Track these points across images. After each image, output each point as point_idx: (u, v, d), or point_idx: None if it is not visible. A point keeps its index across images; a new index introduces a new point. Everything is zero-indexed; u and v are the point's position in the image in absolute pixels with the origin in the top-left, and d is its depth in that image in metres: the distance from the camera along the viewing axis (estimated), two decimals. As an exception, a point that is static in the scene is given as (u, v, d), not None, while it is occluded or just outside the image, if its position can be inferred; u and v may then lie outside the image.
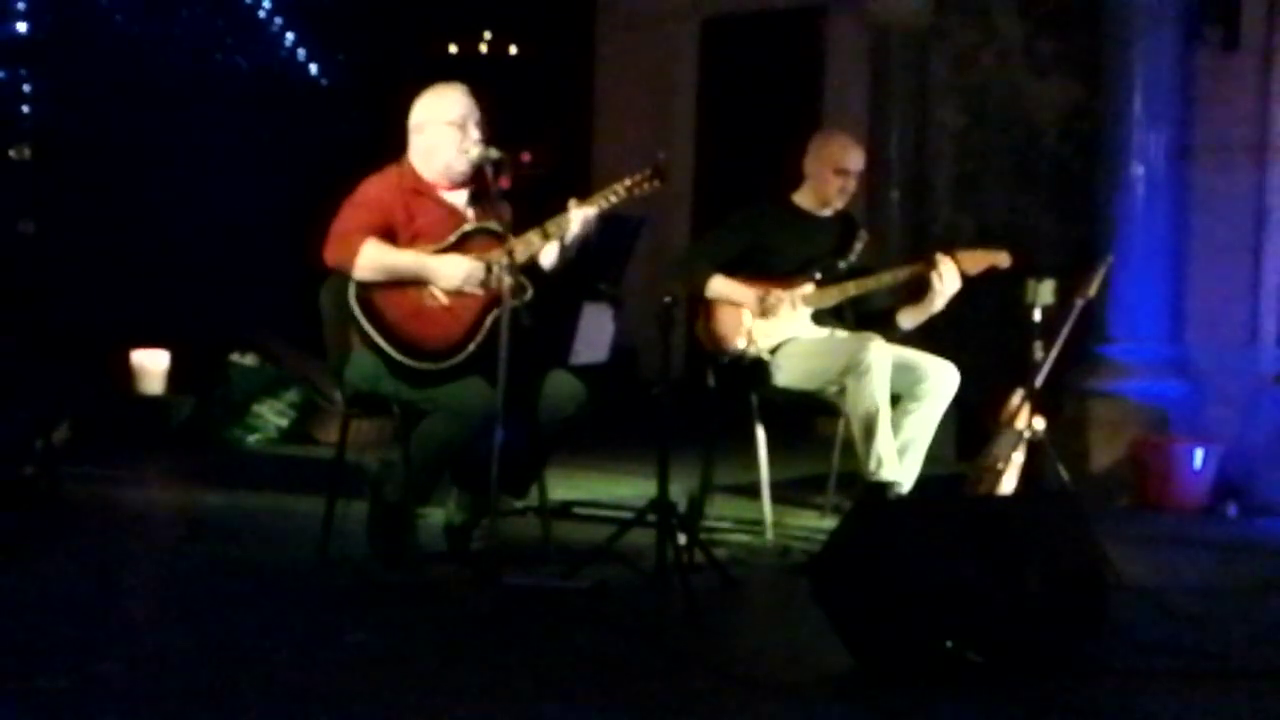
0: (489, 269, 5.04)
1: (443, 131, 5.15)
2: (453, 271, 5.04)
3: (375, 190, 5.14)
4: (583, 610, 4.68)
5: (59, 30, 9.50)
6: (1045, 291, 5.76)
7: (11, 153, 9.36)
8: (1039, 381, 5.73)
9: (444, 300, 5.05)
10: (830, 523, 5.84)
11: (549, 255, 5.17)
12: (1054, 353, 5.74)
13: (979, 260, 5.79)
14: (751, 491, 6.02)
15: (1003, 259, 5.78)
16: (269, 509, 6.27)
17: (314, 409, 8.14)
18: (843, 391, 5.71)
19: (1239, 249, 7.24)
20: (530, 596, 4.73)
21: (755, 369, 5.87)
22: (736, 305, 5.88)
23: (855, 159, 6.01)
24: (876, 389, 5.59)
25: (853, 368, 5.62)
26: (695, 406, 5.86)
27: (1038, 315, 5.75)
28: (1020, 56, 8.46)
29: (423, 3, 10.63)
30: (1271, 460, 6.96)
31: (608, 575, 4.97)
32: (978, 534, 4.18)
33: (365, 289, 5.03)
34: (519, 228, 5.09)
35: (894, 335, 5.89)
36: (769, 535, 5.83)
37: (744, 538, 5.86)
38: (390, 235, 5.07)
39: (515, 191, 5.12)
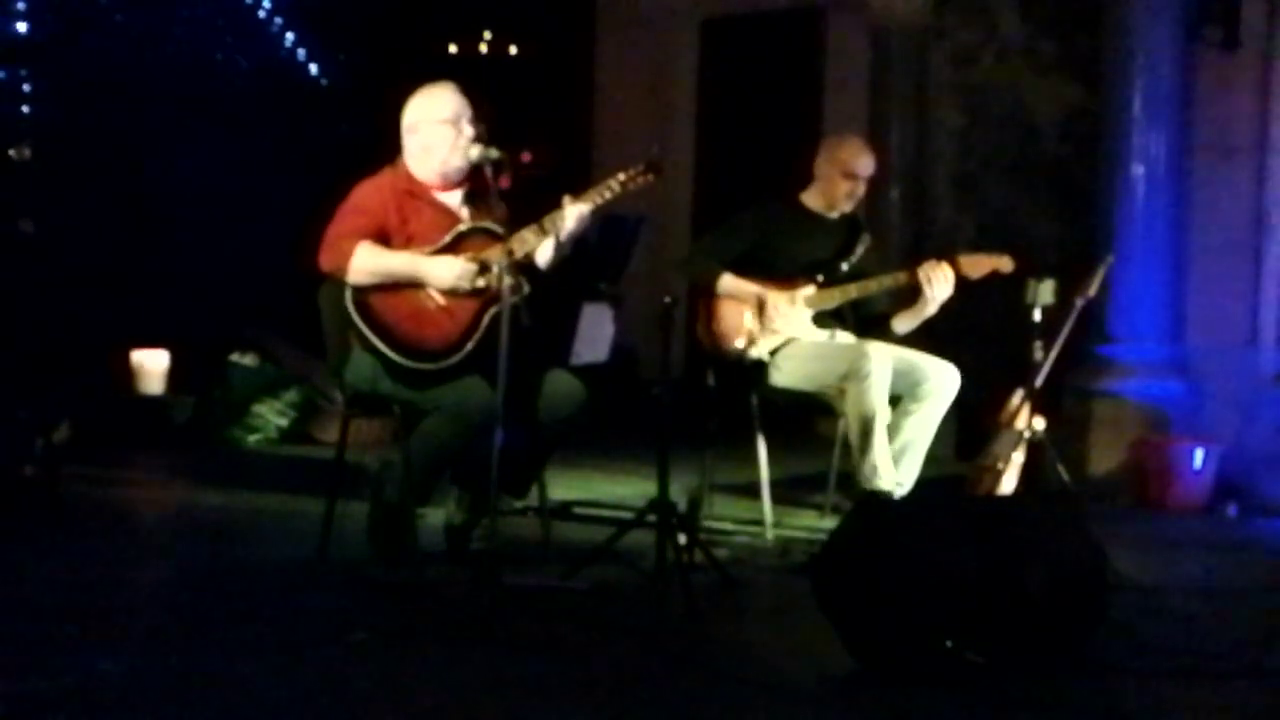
0: (484, 268, 5.04)
1: (436, 130, 5.16)
2: (445, 272, 5.04)
3: (367, 195, 5.15)
4: (583, 610, 4.68)
5: (59, 30, 9.50)
6: (1045, 291, 5.76)
7: (11, 153, 9.35)
8: (1039, 381, 5.73)
9: (441, 300, 5.06)
10: (830, 523, 5.85)
11: (545, 253, 5.17)
12: (1054, 353, 5.74)
13: (982, 265, 5.78)
14: (751, 491, 6.02)
15: (1005, 264, 5.77)
16: (269, 509, 6.27)
17: (314, 409, 8.14)
18: (842, 394, 5.71)
19: (1239, 249, 7.24)
20: (530, 596, 4.73)
21: (755, 368, 5.87)
22: (739, 305, 5.88)
23: (866, 164, 6.01)
24: (876, 396, 5.59)
25: (853, 374, 5.62)
26: (695, 406, 5.86)
27: (1038, 315, 5.75)
28: (1020, 56, 8.46)
29: (423, 3, 10.62)
30: (1271, 460, 6.96)
31: (608, 575, 4.97)
32: (978, 534, 4.18)
33: (362, 291, 5.03)
34: (518, 227, 5.09)
35: (892, 338, 5.89)
36: (769, 535, 5.83)
37: (744, 538, 5.86)
38: (384, 239, 5.08)
39: (515, 191, 5.12)
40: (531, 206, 5.18)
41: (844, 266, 5.97)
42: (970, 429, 6.54)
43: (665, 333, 5.05)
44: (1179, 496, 6.90)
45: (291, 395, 8.15)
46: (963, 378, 5.79)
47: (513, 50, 11.27)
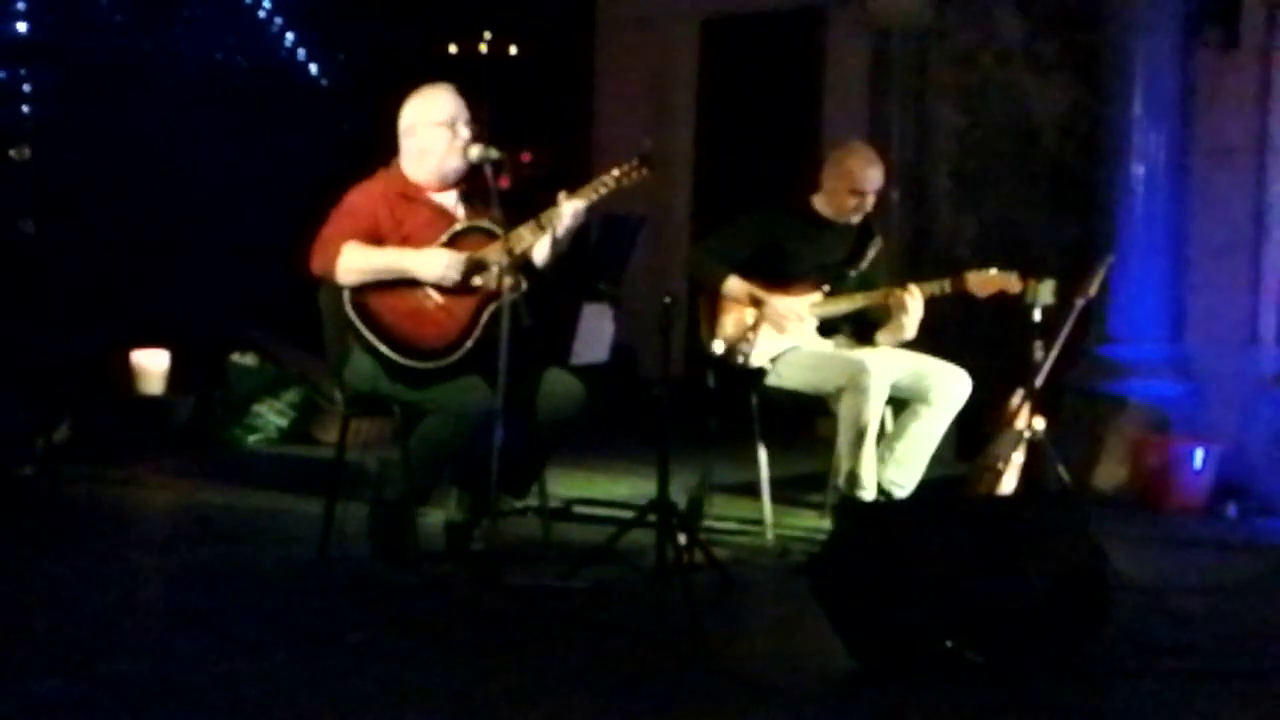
0: (481, 266, 5.04)
1: (432, 132, 5.16)
2: (434, 263, 5.03)
3: (359, 198, 5.16)
4: (583, 610, 4.68)
5: (59, 30, 9.49)
6: (1045, 291, 5.76)
7: (11, 153, 9.35)
8: (1039, 381, 5.73)
9: (439, 299, 5.06)
10: (830, 523, 5.84)
11: (542, 250, 5.17)
12: (1054, 353, 5.73)
13: (990, 283, 5.77)
14: (751, 491, 6.02)
15: (1013, 284, 5.75)
16: (269, 509, 6.27)
17: (314, 409, 8.14)
18: (839, 398, 5.71)
19: (1239, 249, 7.23)
20: (530, 596, 4.73)
21: (755, 372, 5.87)
22: (741, 308, 5.88)
23: (874, 178, 5.96)
24: (871, 410, 5.60)
25: (851, 387, 5.62)
26: (695, 406, 5.86)
27: (1038, 315, 5.75)
28: (1020, 56, 8.45)
29: (423, 3, 10.62)
30: (1271, 460, 6.96)
31: (608, 575, 4.97)
32: (978, 534, 4.18)
33: (360, 291, 5.03)
34: (514, 226, 5.08)
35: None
36: (769, 535, 5.83)
37: (744, 538, 5.86)
38: (377, 241, 5.08)
39: (515, 191, 5.12)
40: (531, 206, 5.18)
41: (853, 272, 5.96)
42: (970, 429, 6.54)
43: (665, 333, 5.04)
44: (1179, 496, 6.89)
45: (291, 395, 8.14)
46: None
47: (513, 50, 11.27)
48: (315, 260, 5.07)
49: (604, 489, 6.66)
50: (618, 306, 5.72)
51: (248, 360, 8.18)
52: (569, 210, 5.07)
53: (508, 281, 4.85)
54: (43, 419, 6.55)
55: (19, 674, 3.85)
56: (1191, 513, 6.82)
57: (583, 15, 10.53)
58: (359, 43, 10.37)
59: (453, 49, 11.14)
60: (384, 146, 5.34)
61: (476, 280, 5.05)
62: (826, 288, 5.90)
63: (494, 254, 4.99)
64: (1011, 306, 5.85)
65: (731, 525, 6.03)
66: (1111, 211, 7.29)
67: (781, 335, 5.86)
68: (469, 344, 5.03)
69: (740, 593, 5.04)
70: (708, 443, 6.03)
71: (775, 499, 5.96)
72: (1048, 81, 8.35)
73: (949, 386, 5.76)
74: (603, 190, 5.11)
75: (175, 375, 8.33)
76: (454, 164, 5.16)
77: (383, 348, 5.01)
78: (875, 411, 5.62)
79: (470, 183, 5.23)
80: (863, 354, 5.81)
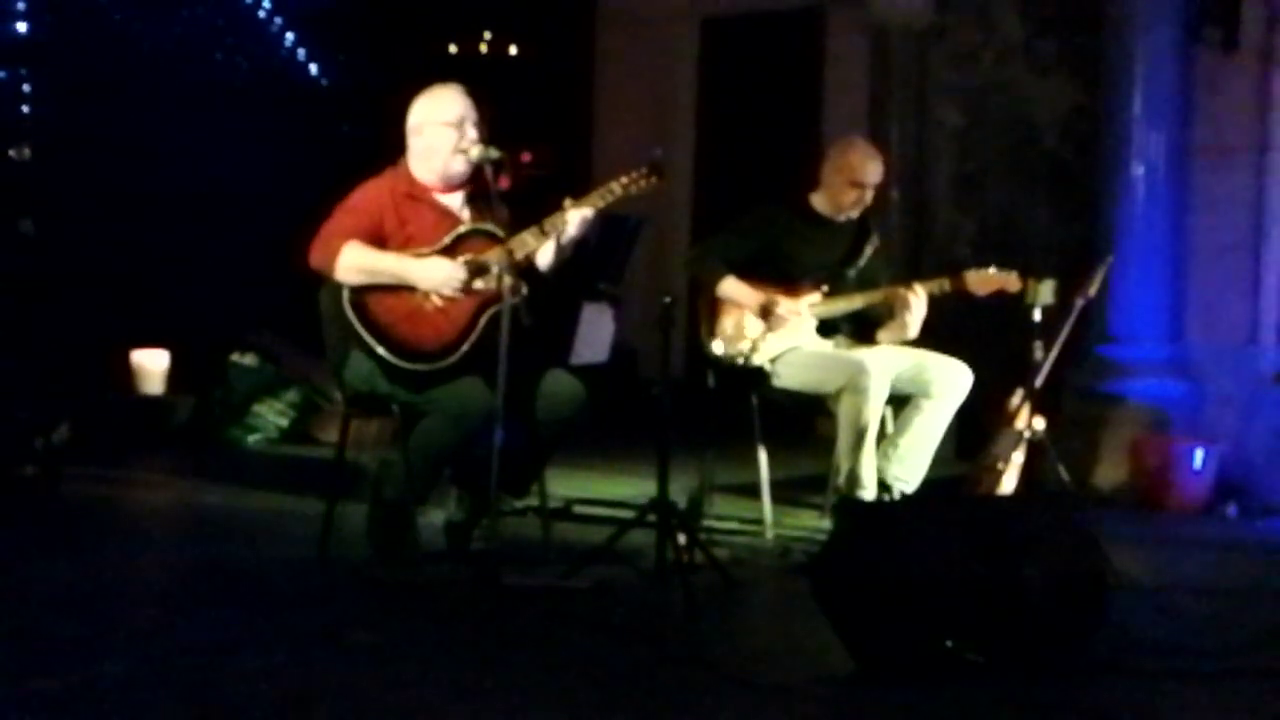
0: (482, 270, 5.04)
1: (440, 132, 5.15)
2: (432, 274, 5.03)
3: (365, 196, 5.15)
4: (583, 610, 4.68)
5: (59, 30, 9.49)
6: (1045, 291, 5.76)
7: (11, 153, 9.35)
8: (1039, 381, 5.73)
9: (438, 301, 5.05)
10: (830, 523, 5.85)
11: (545, 255, 5.16)
12: (1054, 353, 5.74)
13: (989, 282, 5.78)
14: (751, 491, 6.02)
15: (1013, 283, 5.76)
16: (269, 509, 6.27)
17: (314, 409, 8.14)
18: (839, 398, 5.71)
19: (1239, 249, 7.24)
20: (530, 596, 4.73)
21: (755, 372, 5.87)
22: (740, 308, 5.88)
23: (873, 172, 5.98)
24: (870, 410, 5.60)
25: (850, 387, 5.62)
26: (695, 406, 5.86)
27: (1038, 315, 5.75)
28: (1020, 56, 8.45)
29: (422, 3, 10.62)
30: (1271, 460, 6.96)
31: (608, 575, 4.97)
32: (978, 534, 4.18)
33: (359, 293, 5.03)
34: (517, 228, 5.08)
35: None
36: (769, 535, 5.83)
37: (744, 538, 5.86)
38: (379, 240, 5.07)
39: (515, 192, 5.12)
40: (532, 207, 5.17)
41: (851, 271, 5.96)
42: (970, 429, 6.54)
43: (665, 333, 5.04)
44: (1179, 496, 6.90)
45: (291, 395, 8.15)
46: (971, 379, 5.81)
47: (513, 50, 11.27)
48: (314, 254, 5.06)
49: (604, 489, 6.66)
50: (618, 306, 5.72)
51: (248, 360, 8.19)
52: (575, 218, 5.06)
53: (508, 283, 4.84)
54: (43, 419, 6.54)
55: (19, 674, 3.85)
56: (1191, 513, 6.82)
57: (583, 15, 10.54)
58: (359, 43, 10.37)
59: (453, 49, 11.14)
60: (385, 147, 5.33)
61: (478, 284, 5.05)
62: (825, 288, 5.90)
63: (495, 258, 4.98)
64: (1011, 306, 5.85)
65: (731, 525, 6.03)
66: (1111, 211, 7.29)
67: (781, 335, 5.85)
68: (465, 347, 5.02)
69: (740, 593, 5.04)
70: (708, 443, 6.02)
71: (775, 499, 5.96)
72: (1048, 81, 8.35)
73: (950, 379, 5.76)
74: (609, 197, 5.10)
75: (175, 375, 8.33)
76: (458, 166, 5.16)
77: (380, 349, 5.01)
78: (875, 412, 5.62)
79: (473, 184, 5.22)
80: (862, 354, 5.81)
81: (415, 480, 5.05)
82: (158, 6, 9.91)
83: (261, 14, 10.36)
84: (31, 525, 5.83)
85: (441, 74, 5.36)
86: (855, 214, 6.03)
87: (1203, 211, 7.29)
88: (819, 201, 6.04)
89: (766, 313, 5.83)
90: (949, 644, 4.00)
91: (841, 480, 5.68)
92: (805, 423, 7.70)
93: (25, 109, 9.39)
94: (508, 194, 5.12)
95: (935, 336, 6.02)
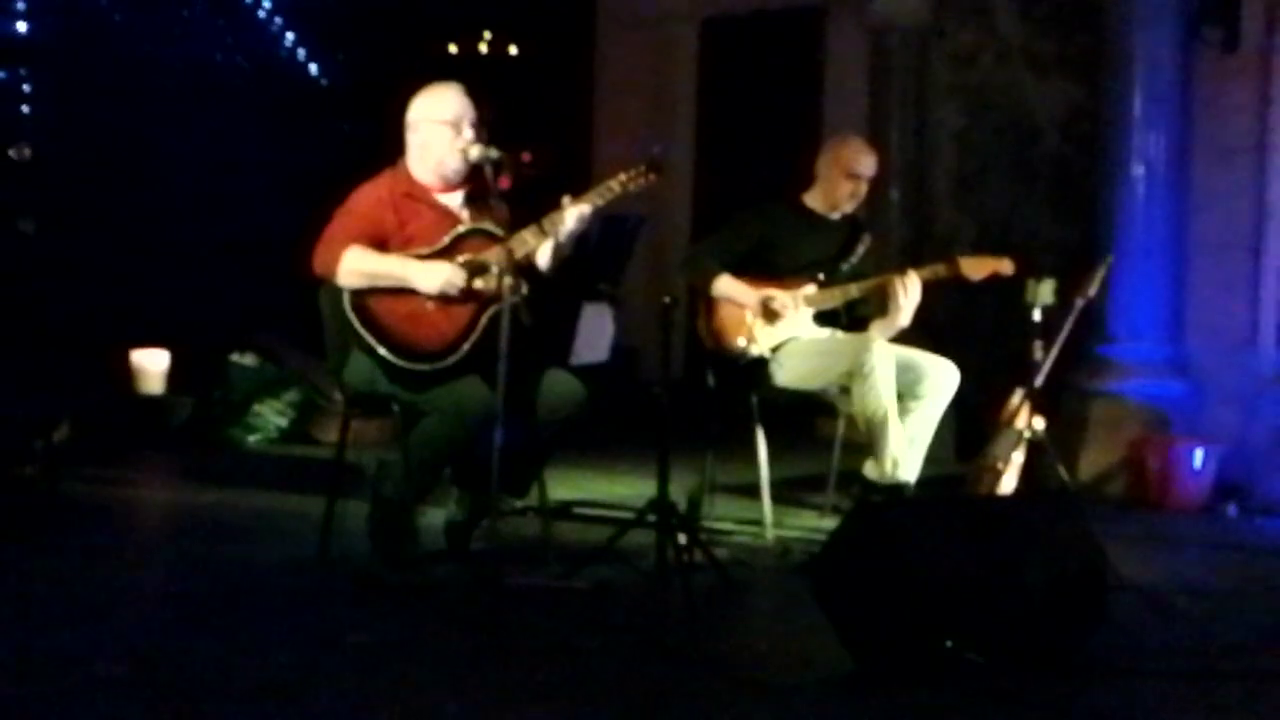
0: (482, 270, 5.03)
1: (436, 130, 5.15)
2: (434, 278, 5.02)
3: (364, 198, 5.14)
4: (583, 610, 4.68)
5: (59, 30, 9.50)
6: (1045, 291, 5.77)
7: (11, 153, 9.36)
8: (1039, 381, 5.73)
9: (439, 301, 5.05)
10: (830, 523, 5.84)
11: (545, 253, 5.16)
12: (1054, 353, 5.74)
13: (983, 266, 5.78)
14: (751, 491, 6.02)
15: (1006, 266, 5.77)
16: (269, 509, 6.27)
17: (314, 409, 8.14)
18: (845, 392, 5.71)
19: (1239, 249, 7.24)
20: (530, 596, 4.73)
21: (756, 368, 5.87)
22: (738, 306, 5.88)
23: (868, 164, 6.00)
24: (882, 391, 5.58)
25: (855, 370, 5.61)
26: (695, 406, 5.86)
27: (1038, 315, 5.75)
28: (1020, 56, 8.46)
29: (423, 3, 10.62)
30: (1271, 460, 6.96)
31: (608, 575, 4.97)
32: (978, 534, 4.18)
33: (360, 294, 5.03)
34: (517, 228, 5.08)
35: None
36: (769, 535, 5.83)
37: (744, 538, 5.86)
38: (380, 242, 5.07)
39: (515, 191, 5.11)
40: (532, 206, 5.17)
41: (844, 267, 5.97)
42: (970, 429, 6.55)
43: (665, 333, 5.04)
44: (1179, 496, 6.90)
45: (291, 395, 8.15)
46: (963, 378, 5.78)
47: (513, 50, 11.28)
48: (317, 260, 5.06)
49: (604, 489, 6.66)
50: (618, 306, 5.72)
51: (248, 360, 8.19)
52: (573, 214, 5.05)
53: (507, 281, 4.83)
54: (43, 419, 6.54)
55: (19, 674, 3.85)
56: (1191, 513, 6.82)
57: (583, 15, 10.54)
58: (359, 43, 10.38)
59: (453, 49, 11.15)
60: (385, 147, 5.33)
61: (477, 283, 5.05)
62: (821, 276, 5.90)
63: (495, 257, 4.98)
64: (1011, 306, 5.85)
65: (731, 525, 6.03)
66: (1111, 211, 7.29)
67: (779, 326, 5.85)
68: (466, 347, 5.02)
69: (740, 593, 5.04)
70: (708, 443, 6.03)
71: (775, 499, 5.95)
72: (1048, 81, 8.36)
73: (938, 379, 5.75)
74: (608, 195, 5.09)
75: (175, 375, 8.34)
76: (454, 164, 5.15)
77: (381, 350, 5.00)
78: (888, 391, 5.58)
79: (473, 184, 5.22)
80: (861, 339, 5.81)
81: (415, 480, 5.05)
82: (158, 6, 9.92)
83: (261, 14, 10.37)
84: (31, 525, 5.83)
85: (441, 74, 5.36)
86: (849, 209, 6.03)
87: (1203, 211, 7.30)
88: (813, 199, 6.05)
89: (762, 307, 5.84)
90: (949, 644, 3.99)
91: (885, 467, 5.60)
92: (805, 423, 7.70)
93: (25, 109, 9.40)
94: (508, 194, 5.11)
95: (935, 336, 6.03)
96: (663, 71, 10.20)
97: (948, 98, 8.73)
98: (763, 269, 5.90)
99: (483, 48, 11.27)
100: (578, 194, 5.11)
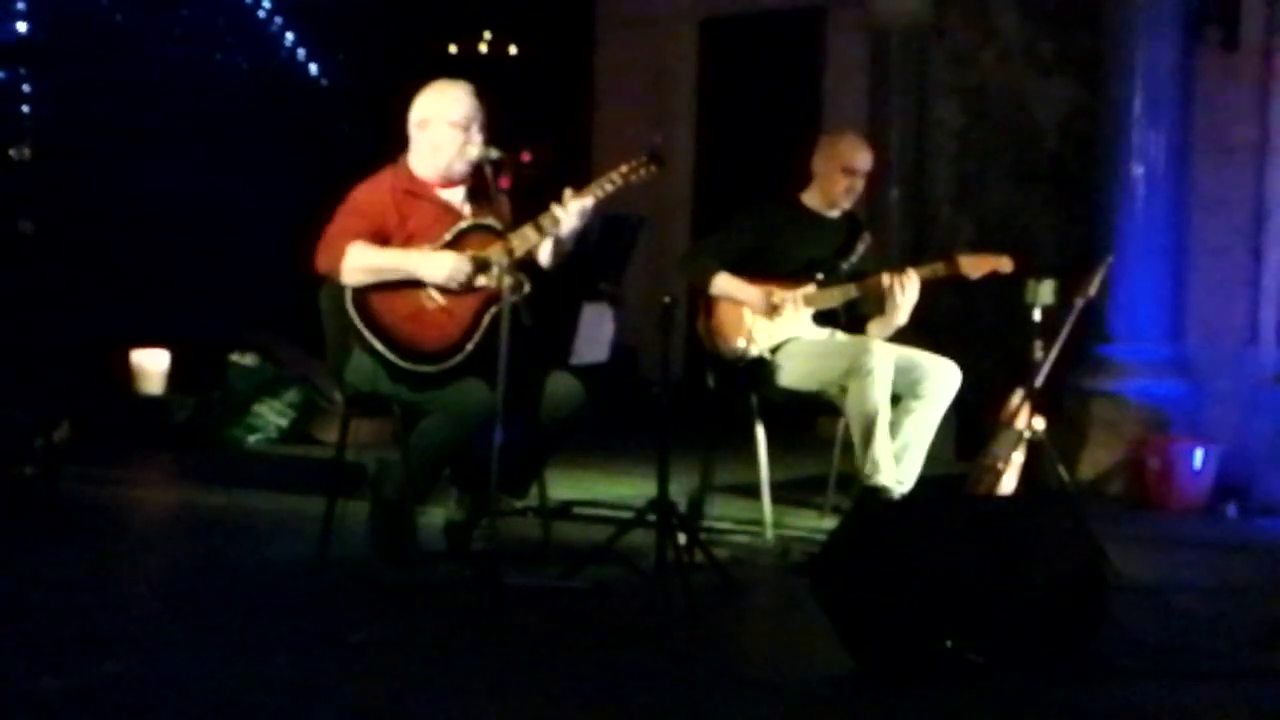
0: (485, 266, 5.03)
1: (445, 132, 5.14)
2: (437, 267, 5.02)
3: (365, 196, 5.14)
4: (583, 610, 4.68)
5: (59, 30, 9.50)
6: (1045, 291, 5.76)
7: (11, 153, 9.36)
8: (1039, 381, 5.73)
9: (441, 301, 5.05)
10: (830, 523, 5.85)
11: (546, 249, 5.15)
12: (1054, 353, 5.73)
13: (982, 264, 5.78)
14: (751, 491, 6.02)
15: (1005, 264, 5.77)
16: (269, 509, 6.27)
17: (314, 409, 8.14)
18: (843, 391, 5.71)
19: (1239, 249, 7.24)
20: (530, 596, 4.73)
21: (756, 369, 5.87)
22: (739, 304, 5.88)
23: (863, 159, 6.00)
24: (878, 393, 5.58)
25: (855, 370, 5.61)
26: (695, 406, 5.86)
27: (1038, 315, 5.75)
28: (1020, 56, 8.46)
29: (423, 3, 10.62)
30: (1271, 460, 6.96)
31: (608, 575, 4.97)
32: (978, 534, 4.18)
33: (362, 293, 5.03)
34: (519, 225, 5.07)
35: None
36: (769, 535, 5.83)
37: (744, 538, 5.86)
38: (382, 239, 5.07)
39: (515, 191, 5.11)
40: (532, 206, 5.17)
41: (844, 266, 5.96)
42: (970, 429, 6.54)
43: (665, 333, 5.04)
44: (1179, 496, 6.89)
45: (291, 395, 8.15)
46: (963, 378, 5.78)
47: (513, 50, 11.27)
48: (320, 259, 5.06)
49: (604, 489, 6.66)
50: (618, 306, 5.72)
51: (248, 360, 8.18)
52: (575, 208, 5.05)
53: (508, 282, 4.83)
54: (43, 419, 6.55)
55: (19, 674, 3.85)
56: (1191, 513, 6.82)
57: (583, 15, 10.54)
58: (359, 43, 10.38)
59: (453, 49, 11.14)
60: (385, 146, 5.33)
61: (481, 280, 5.04)
62: (820, 276, 5.90)
63: (496, 254, 4.98)
64: (1011, 306, 5.85)
65: (731, 525, 6.03)
66: (1111, 211, 7.29)
67: (779, 325, 5.85)
68: (470, 346, 5.02)
69: (740, 593, 5.04)
70: (708, 443, 6.02)
71: (775, 499, 5.95)
72: (1048, 81, 8.36)
73: (939, 379, 5.75)
74: (609, 187, 5.08)
75: (175, 375, 8.34)
76: (461, 166, 5.15)
77: (384, 350, 5.00)
78: (883, 394, 5.59)
79: (474, 180, 5.21)
80: (861, 340, 5.81)
81: (415, 480, 5.05)
82: (157, 6, 9.92)
83: (261, 14, 10.37)
84: (31, 525, 5.83)
85: (441, 74, 5.35)
86: (846, 205, 6.01)
87: (1203, 211, 7.30)
88: (811, 198, 6.04)
89: (763, 305, 5.83)
90: (949, 644, 3.99)
91: (866, 468, 5.62)
92: (805, 423, 7.70)
93: (25, 109, 9.40)
94: (507, 193, 5.11)
95: (934, 336, 6.02)
96: (663, 71, 10.19)
97: (948, 98, 8.73)
98: (761, 269, 5.90)
99: (483, 48, 11.27)
100: (579, 189, 5.11)
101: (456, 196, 5.23)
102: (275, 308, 8.07)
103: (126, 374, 8.26)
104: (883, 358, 5.61)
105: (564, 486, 6.23)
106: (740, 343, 5.85)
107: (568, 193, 5.07)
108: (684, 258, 6.21)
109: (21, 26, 9.32)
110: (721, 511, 6.17)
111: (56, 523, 5.94)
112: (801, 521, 6.17)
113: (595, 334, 5.56)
